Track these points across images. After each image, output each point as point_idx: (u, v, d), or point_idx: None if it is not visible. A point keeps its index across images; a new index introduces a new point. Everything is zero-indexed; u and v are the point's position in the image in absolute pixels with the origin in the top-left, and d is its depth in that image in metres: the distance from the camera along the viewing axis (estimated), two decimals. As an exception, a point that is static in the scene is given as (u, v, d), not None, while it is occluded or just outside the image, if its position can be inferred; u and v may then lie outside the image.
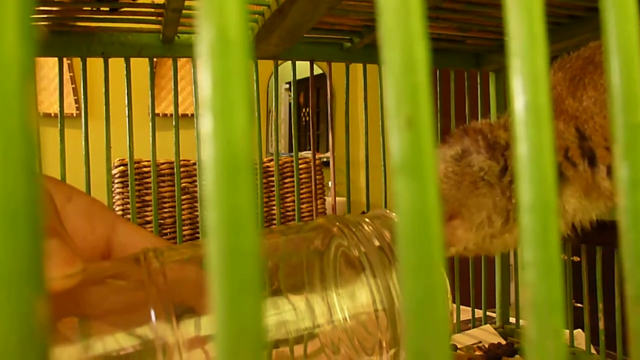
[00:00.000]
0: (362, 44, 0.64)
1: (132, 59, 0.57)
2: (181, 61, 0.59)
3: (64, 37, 0.53)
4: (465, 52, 0.71)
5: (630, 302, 0.11)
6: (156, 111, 0.59)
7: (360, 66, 0.69)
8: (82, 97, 0.56)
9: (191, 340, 0.22)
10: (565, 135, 0.41)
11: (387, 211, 0.26)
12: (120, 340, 0.22)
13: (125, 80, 0.57)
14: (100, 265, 0.26)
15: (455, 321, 0.77)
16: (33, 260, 0.07)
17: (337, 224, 0.25)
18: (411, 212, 0.08)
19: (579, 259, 0.63)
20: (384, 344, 0.23)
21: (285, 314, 0.24)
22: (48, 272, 0.21)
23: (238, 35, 0.07)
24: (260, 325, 0.07)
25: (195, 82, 0.62)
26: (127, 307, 0.24)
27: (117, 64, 0.57)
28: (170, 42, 0.57)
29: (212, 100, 0.07)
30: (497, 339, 0.71)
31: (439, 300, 0.08)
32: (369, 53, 0.66)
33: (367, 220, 0.25)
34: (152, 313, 0.22)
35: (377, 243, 0.24)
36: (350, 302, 0.24)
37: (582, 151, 0.41)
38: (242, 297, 0.07)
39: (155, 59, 0.59)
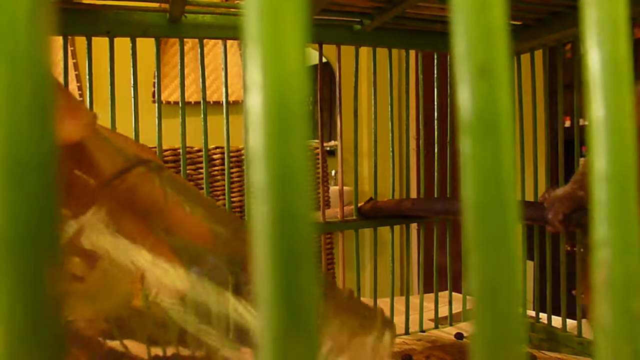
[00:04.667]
0: (372, 27, 0.63)
1: (137, 43, 0.56)
2: (186, 48, 0.58)
3: (68, 15, 0.52)
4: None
5: None
6: (161, 98, 0.58)
7: (365, 54, 0.67)
8: (87, 76, 0.55)
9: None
10: None
11: None
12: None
13: (131, 60, 0.56)
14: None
15: (461, 309, 0.77)
16: (44, 222, 0.06)
17: None
18: (483, 176, 0.07)
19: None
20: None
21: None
22: (66, 124, 0.20)
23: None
24: (315, 299, 0.06)
25: (202, 65, 0.60)
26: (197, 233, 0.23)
27: (121, 47, 0.56)
28: (177, 22, 0.56)
29: (261, 36, 0.06)
30: (505, 329, 0.70)
31: (515, 274, 0.07)
32: (379, 35, 0.64)
33: None
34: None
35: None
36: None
37: None
38: (295, 267, 0.06)
39: (160, 46, 0.57)
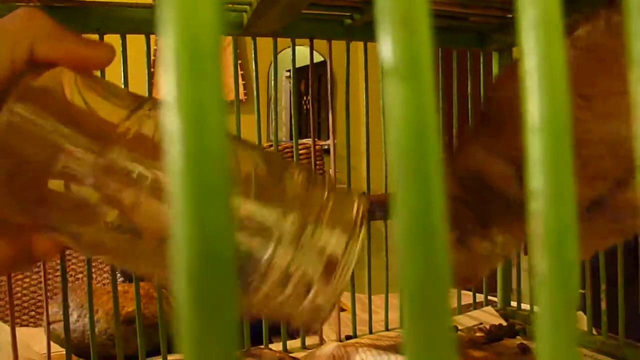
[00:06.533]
0: (363, 21, 0.63)
1: (129, 41, 0.56)
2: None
3: (58, 12, 0.52)
4: (469, 30, 0.70)
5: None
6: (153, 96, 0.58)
7: (360, 51, 0.67)
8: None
9: None
10: None
11: None
12: None
13: (122, 57, 0.56)
14: None
15: (455, 305, 0.77)
16: None
17: None
18: (405, 119, 0.07)
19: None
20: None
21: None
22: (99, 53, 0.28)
23: None
24: (230, 237, 0.06)
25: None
26: None
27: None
28: (166, 18, 0.56)
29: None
30: (499, 320, 0.70)
31: (436, 216, 0.07)
32: (370, 30, 0.65)
33: None
34: None
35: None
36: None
37: None
38: (209, 203, 0.06)
39: (154, 47, 0.57)
